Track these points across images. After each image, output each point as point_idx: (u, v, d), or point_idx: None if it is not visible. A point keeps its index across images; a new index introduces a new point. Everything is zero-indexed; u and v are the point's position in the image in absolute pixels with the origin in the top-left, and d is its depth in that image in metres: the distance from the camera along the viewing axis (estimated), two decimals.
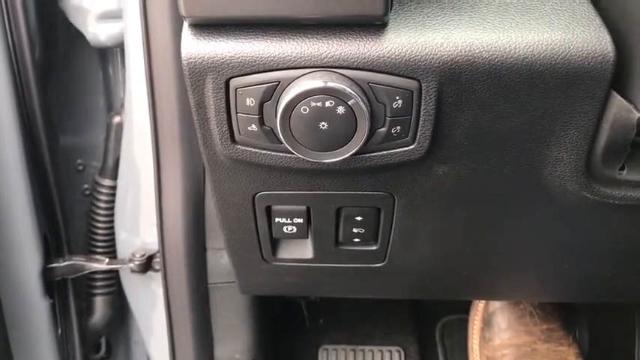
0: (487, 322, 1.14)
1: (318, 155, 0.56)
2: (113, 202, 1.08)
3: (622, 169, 0.60)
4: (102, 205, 1.10)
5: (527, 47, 0.52)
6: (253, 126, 0.56)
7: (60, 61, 1.05)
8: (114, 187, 1.08)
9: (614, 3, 0.56)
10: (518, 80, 0.53)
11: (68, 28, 0.99)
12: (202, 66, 0.53)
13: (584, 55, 0.52)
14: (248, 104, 0.54)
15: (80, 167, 1.15)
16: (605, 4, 0.56)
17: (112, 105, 1.12)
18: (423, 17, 0.54)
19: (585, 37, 0.52)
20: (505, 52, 0.52)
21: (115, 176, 1.08)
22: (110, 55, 1.09)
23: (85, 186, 1.16)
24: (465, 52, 0.52)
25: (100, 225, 1.11)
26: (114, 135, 1.06)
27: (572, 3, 0.55)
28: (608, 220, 0.68)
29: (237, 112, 0.55)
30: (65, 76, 1.07)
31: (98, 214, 1.11)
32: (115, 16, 0.94)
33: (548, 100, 0.55)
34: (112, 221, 1.10)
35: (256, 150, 0.58)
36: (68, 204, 1.09)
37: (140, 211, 1.02)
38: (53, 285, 1.01)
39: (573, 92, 0.54)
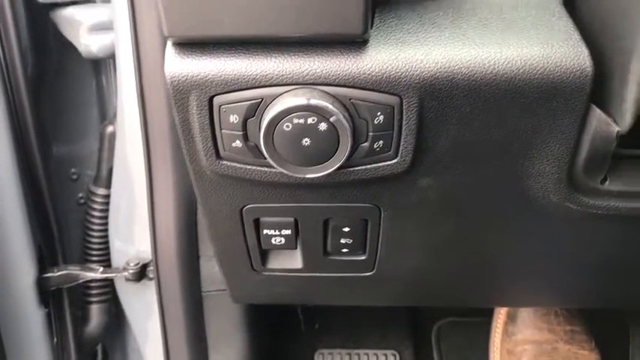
0: (512, 317, 1.15)
1: (301, 170, 0.56)
2: (107, 210, 1.09)
3: (604, 180, 0.61)
4: (96, 213, 1.11)
5: (505, 63, 0.53)
6: (237, 142, 0.57)
7: (52, 72, 1.06)
8: (108, 196, 1.08)
9: (593, 17, 0.56)
10: (498, 95, 0.54)
11: (60, 39, 0.99)
12: (186, 84, 0.54)
13: (562, 70, 0.53)
14: (232, 121, 0.55)
15: (74, 176, 1.15)
16: (585, 18, 0.57)
17: (106, 114, 1.13)
18: (404, 33, 0.54)
19: (564, 52, 0.53)
20: (484, 68, 0.53)
21: (109, 185, 1.08)
22: (103, 64, 1.09)
23: (80, 195, 1.17)
24: (445, 68, 0.53)
25: (94, 234, 1.12)
26: (107, 144, 1.07)
27: (552, 18, 0.56)
28: (592, 229, 0.69)
29: (221, 129, 0.56)
30: (58, 86, 1.08)
31: (93, 223, 1.11)
32: (106, 27, 0.95)
33: (528, 114, 0.55)
34: (106, 230, 1.10)
35: (241, 165, 0.59)
36: (63, 213, 1.09)
37: (134, 220, 1.03)
38: (48, 294, 1.02)
39: (553, 106, 0.55)
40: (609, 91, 0.54)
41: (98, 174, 1.10)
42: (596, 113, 0.55)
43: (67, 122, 1.11)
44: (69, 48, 0.99)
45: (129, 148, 0.98)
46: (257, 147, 0.56)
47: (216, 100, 0.54)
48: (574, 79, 0.53)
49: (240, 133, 0.56)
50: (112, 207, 1.07)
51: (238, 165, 0.59)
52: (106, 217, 1.10)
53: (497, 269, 0.78)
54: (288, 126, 0.53)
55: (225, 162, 0.59)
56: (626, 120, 0.52)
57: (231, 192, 0.64)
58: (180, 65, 0.53)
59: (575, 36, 0.54)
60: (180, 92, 0.54)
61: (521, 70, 0.53)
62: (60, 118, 1.09)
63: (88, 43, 0.96)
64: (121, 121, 0.98)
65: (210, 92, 0.54)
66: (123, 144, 0.99)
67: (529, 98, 0.54)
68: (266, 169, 0.59)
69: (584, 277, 0.79)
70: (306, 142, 0.54)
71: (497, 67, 0.53)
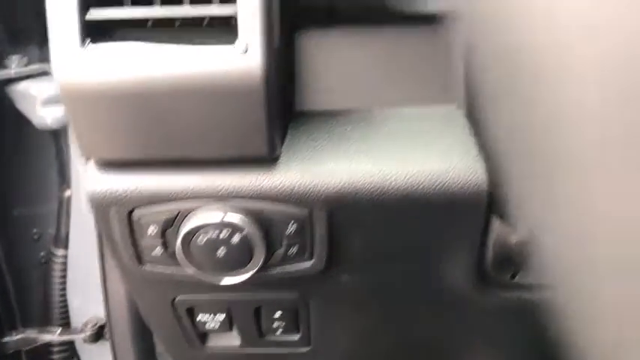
0: None
1: (218, 277, 0.59)
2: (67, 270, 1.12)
3: (514, 275, 0.64)
4: (56, 273, 1.13)
5: (406, 177, 0.56)
6: (158, 250, 0.59)
7: (10, 146, 1.09)
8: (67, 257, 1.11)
9: (492, 130, 0.59)
10: (399, 208, 0.57)
11: (17, 113, 1.02)
12: (105, 200, 0.57)
13: (459, 185, 0.55)
14: (150, 233, 0.58)
15: (36, 236, 1.18)
16: (484, 131, 0.60)
17: (65, 177, 1.15)
18: (312, 150, 0.57)
19: (461, 168, 0.56)
20: (385, 183, 0.56)
21: (68, 246, 1.11)
22: (62, 130, 1.12)
23: (42, 253, 1.19)
24: (349, 183, 0.56)
25: (54, 292, 1.14)
26: (65, 207, 1.10)
27: (455, 130, 0.59)
28: (512, 316, 0.71)
29: (142, 238, 0.59)
30: (17, 157, 1.10)
31: (53, 283, 1.14)
32: (59, 100, 0.98)
33: (430, 224, 0.58)
34: (65, 289, 1.13)
35: (164, 268, 0.62)
36: (25, 272, 1.12)
37: (91, 280, 1.05)
38: (7, 358, 1.04)
39: (454, 217, 0.58)
40: (506, 204, 0.57)
41: (57, 235, 1.13)
42: (497, 223, 0.58)
43: (27, 188, 1.13)
44: (26, 121, 1.02)
45: (84, 211, 1.01)
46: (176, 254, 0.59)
47: (136, 212, 0.57)
48: (471, 194, 0.56)
49: (160, 241, 0.59)
50: (70, 267, 1.09)
51: (161, 268, 0.61)
52: (66, 277, 1.12)
53: (432, 345, 0.81)
54: (202, 239, 0.56)
55: (148, 267, 0.61)
56: (521, 232, 0.55)
57: (160, 288, 0.67)
58: (99, 182, 0.56)
59: (474, 151, 0.57)
60: (101, 207, 0.57)
61: (421, 185, 0.56)
62: (19, 185, 1.12)
63: (43, 115, 0.99)
64: (76, 185, 1.01)
65: (129, 207, 0.57)
66: (79, 207, 1.02)
67: (430, 210, 0.57)
68: (187, 271, 0.61)
69: (519, 352, 0.81)
70: (221, 252, 0.57)
71: (399, 181, 0.56)
